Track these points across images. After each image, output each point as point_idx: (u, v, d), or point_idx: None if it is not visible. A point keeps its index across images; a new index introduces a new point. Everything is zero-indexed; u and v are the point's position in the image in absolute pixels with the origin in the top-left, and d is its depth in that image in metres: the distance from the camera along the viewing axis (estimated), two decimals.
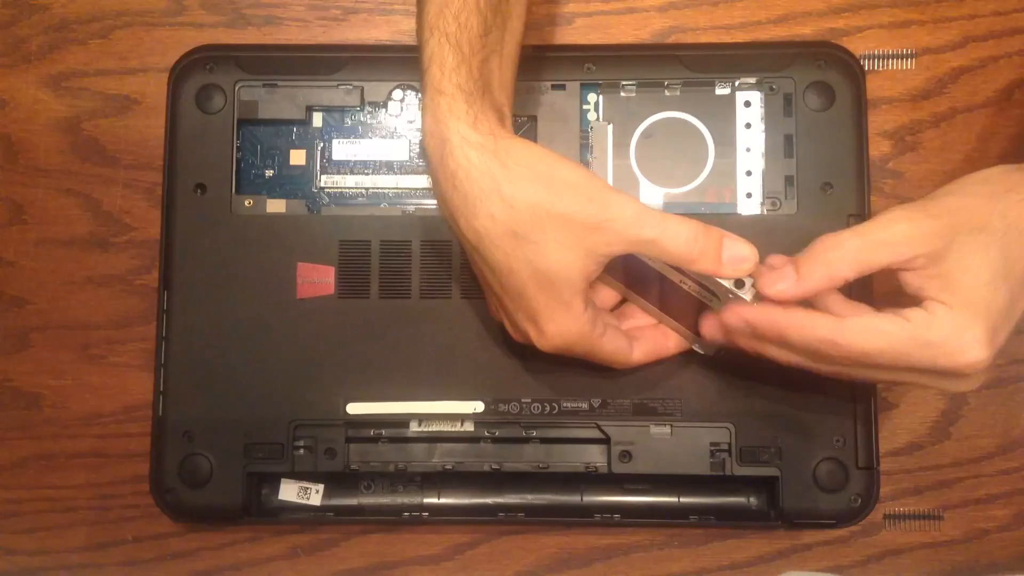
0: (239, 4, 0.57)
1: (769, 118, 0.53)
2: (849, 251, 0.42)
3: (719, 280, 0.43)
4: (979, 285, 0.41)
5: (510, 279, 0.43)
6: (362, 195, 0.54)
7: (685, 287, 0.45)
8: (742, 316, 0.43)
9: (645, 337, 0.48)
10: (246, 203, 0.53)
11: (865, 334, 0.41)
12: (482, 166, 0.42)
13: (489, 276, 0.44)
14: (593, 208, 0.42)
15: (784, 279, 0.42)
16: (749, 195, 0.53)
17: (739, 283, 0.43)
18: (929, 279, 0.41)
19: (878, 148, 0.55)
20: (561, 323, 0.44)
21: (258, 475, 0.52)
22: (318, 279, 0.52)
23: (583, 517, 0.52)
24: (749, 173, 0.53)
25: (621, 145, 0.53)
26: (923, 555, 0.54)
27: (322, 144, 0.54)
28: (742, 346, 0.45)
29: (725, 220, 0.51)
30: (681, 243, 0.42)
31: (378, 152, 0.54)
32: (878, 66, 0.56)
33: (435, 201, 0.45)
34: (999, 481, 0.54)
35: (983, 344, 0.41)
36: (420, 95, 0.45)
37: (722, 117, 0.53)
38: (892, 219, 0.42)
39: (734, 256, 0.43)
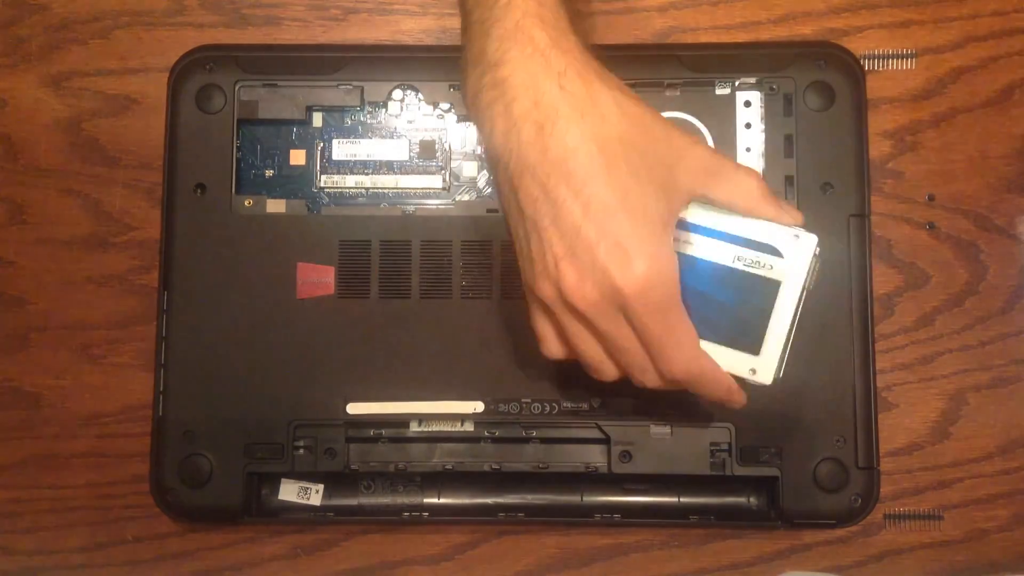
0: (239, 4, 0.57)
1: (769, 118, 0.53)
2: None
3: (778, 230, 0.42)
4: None
5: (600, 200, 0.39)
6: (362, 195, 0.54)
7: (740, 264, 0.43)
8: None
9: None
10: (246, 203, 0.53)
11: None
12: (593, 67, 0.41)
13: (568, 203, 0.40)
14: (680, 140, 0.41)
15: None
16: None
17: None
18: None
19: (878, 148, 0.55)
20: (652, 254, 0.39)
21: (258, 475, 0.52)
22: (318, 279, 0.52)
23: (583, 517, 0.52)
24: None
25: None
26: (923, 555, 0.54)
27: (322, 144, 0.54)
28: None
29: None
30: (746, 190, 0.42)
31: (378, 152, 0.54)
32: (878, 66, 0.56)
33: (482, 158, 0.42)
34: (999, 481, 0.54)
35: None
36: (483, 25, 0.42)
37: (722, 117, 0.53)
38: None
39: (790, 209, 0.43)
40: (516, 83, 0.40)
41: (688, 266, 0.42)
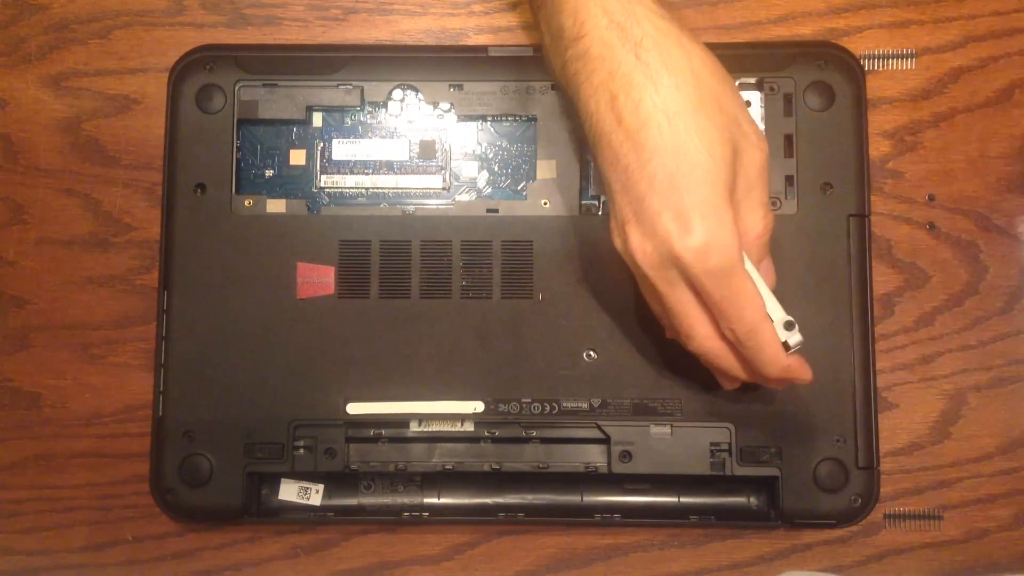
0: (239, 4, 0.57)
1: (769, 118, 0.53)
2: None
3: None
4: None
5: (666, 171, 0.41)
6: (362, 195, 0.54)
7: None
8: None
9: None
10: (246, 203, 0.53)
11: None
12: (672, 35, 0.42)
13: (636, 173, 0.41)
14: (748, 127, 0.43)
15: None
16: None
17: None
18: None
19: (878, 148, 0.55)
20: (712, 223, 0.41)
21: (258, 475, 0.52)
22: (318, 279, 0.52)
23: (583, 517, 0.52)
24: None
25: None
26: (923, 555, 0.53)
27: (322, 144, 0.54)
28: None
29: None
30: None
31: (378, 152, 0.54)
32: (878, 66, 0.56)
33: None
34: (999, 481, 0.54)
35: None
36: None
37: None
38: None
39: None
40: (595, 55, 0.42)
41: None
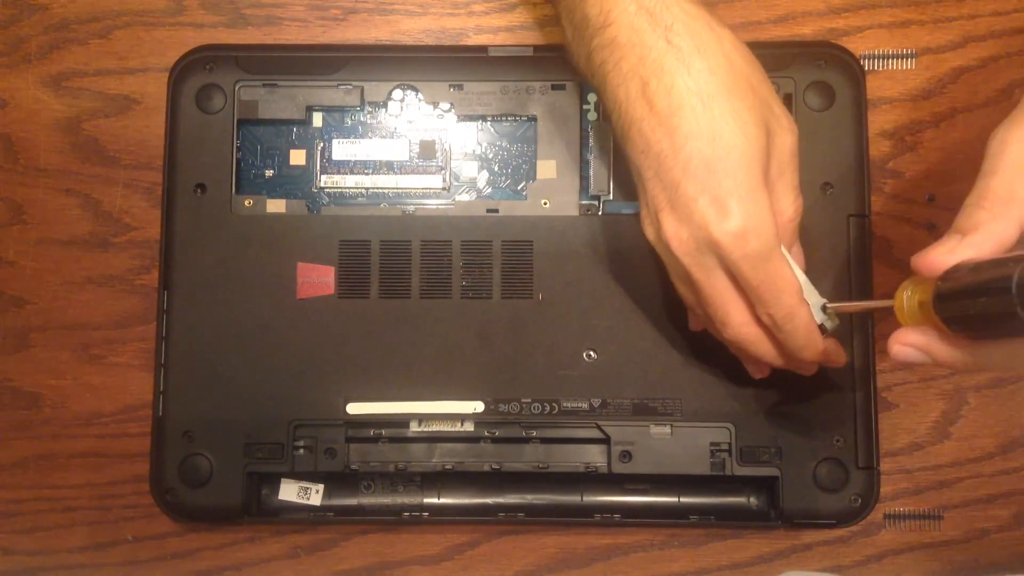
0: (239, 4, 0.57)
1: None
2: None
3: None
4: None
5: (701, 156, 0.41)
6: (362, 195, 0.54)
7: None
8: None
9: None
10: (246, 203, 0.53)
11: None
12: (702, 19, 0.41)
13: (669, 159, 0.41)
14: (779, 110, 0.43)
15: (946, 242, 0.39)
16: None
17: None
18: None
19: (878, 148, 0.55)
20: (749, 207, 0.41)
21: (258, 475, 0.52)
22: (318, 279, 0.52)
23: (583, 517, 0.52)
24: None
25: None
26: (923, 555, 0.54)
27: (322, 144, 0.54)
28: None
29: None
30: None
31: (378, 152, 0.54)
32: (878, 66, 0.56)
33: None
34: (999, 481, 0.54)
35: None
36: None
37: None
38: None
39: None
40: (623, 41, 0.42)
41: None
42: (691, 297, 0.45)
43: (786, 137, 0.43)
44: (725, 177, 0.41)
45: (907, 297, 0.40)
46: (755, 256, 0.41)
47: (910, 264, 0.40)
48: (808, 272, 0.47)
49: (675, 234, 0.42)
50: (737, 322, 0.43)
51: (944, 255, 0.38)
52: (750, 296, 0.43)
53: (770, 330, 0.43)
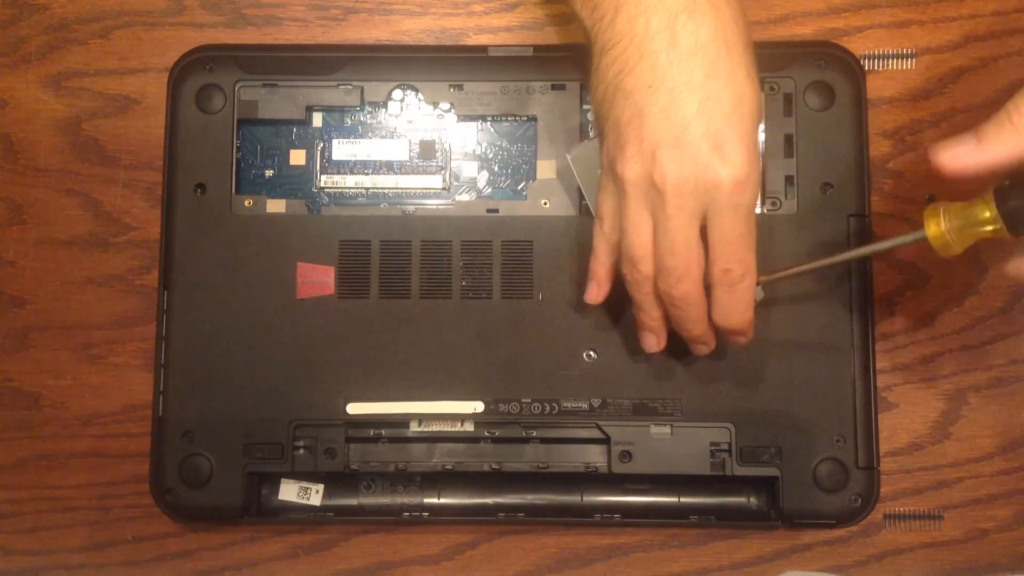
0: (239, 4, 0.57)
1: (769, 118, 0.53)
2: None
3: None
4: None
5: (718, 98, 0.41)
6: (362, 195, 0.54)
7: None
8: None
9: None
10: (246, 203, 0.53)
11: None
12: None
13: (685, 96, 0.41)
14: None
15: (961, 143, 0.41)
16: None
17: None
18: None
19: (878, 148, 0.55)
20: (753, 156, 0.42)
21: (258, 475, 0.52)
22: (318, 279, 0.52)
23: (583, 517, 0.52)
24: None
25: None
26: (923, 555, 0.54)
27: (322, 144, 0.54)
28: None
29: None
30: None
31: (378, 152, 0.54)
32: (878, 66, 0.56)
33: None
34: (999, 481, 0.54)
35: None
36: None
37: None
38: None
39: None
40: None
41: None
42: (641, 244, 0.44)
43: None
44: (736, 122, 0.41)
45: (946, 221, 0.42)
46: (746, 206, 0.42)
47: (931, 158, 0.41)
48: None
49: (675, 172, 0.41)
50: (694, 278, 0.44)
51: (964, 155, 0.40)
52: (716, 248, 0.43)
53: (713, 288, 0.44)
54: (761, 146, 0.53)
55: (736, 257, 0.43)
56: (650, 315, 0.46)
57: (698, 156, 0.41)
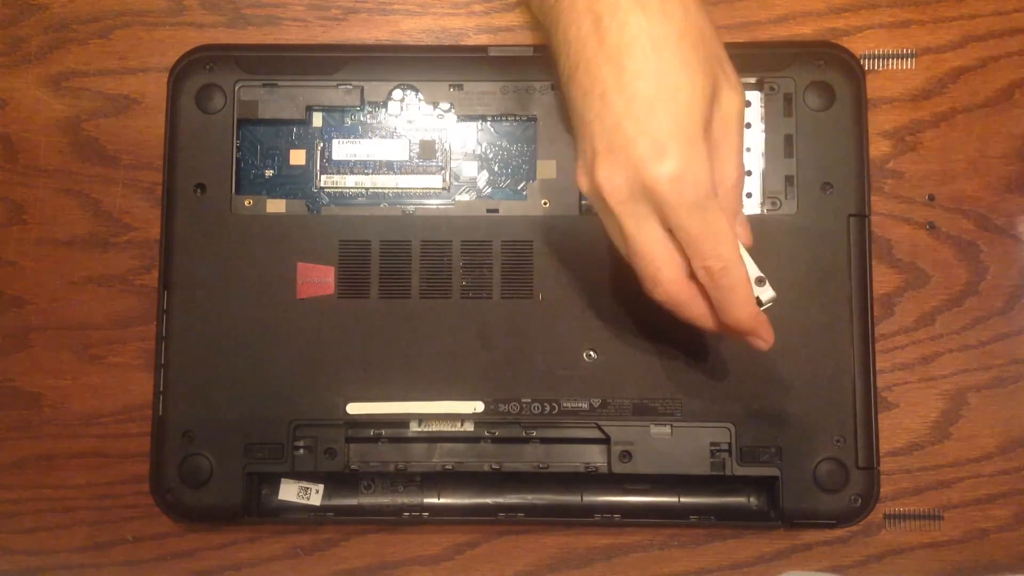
0: (239, 4, 0.57)
1: (769, 118, 0.53)
2: None
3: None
4: None
5: (645, 96, 0.40)
6: (362, 195, 0.54)
7: None
8: None
9: None
10: (246, 203, 0.53)
11: None
12: None
13: (613, 98, 0.40)
14: (729, 68, 0.42)
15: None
16: (749, 195, 0.53)
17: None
18: None
19: (878, 148, 0.55)
20: (689, 152, 0.40)
21: (258, 475, 0.52)
22: (318, 279, 0.52)
23: (583, 517, 0.52)
24: (749, 173, 0.53)
25: None
26: (923, 555, 0.54)
27: (322, 144, 0.54)
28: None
29: None
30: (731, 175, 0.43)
31: (378, 152, 0.54)
32: (878, 66, 0.56)
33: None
34: (999, 481, 0.54)
35: None
36: None
37: None
38: None
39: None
40: None
41: None
42: (624, 250, 0.43)
43: (733, 96, 0.42)
44: (666, 119, 0.40)
45: None
46: (692, 203, 0.40)
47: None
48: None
49: (608, 179, 0.41)
50: (667, 279, 0.42)
51: None
52: (687, 248, 0.41)
53: (704, 288, 0.42)
54: (761, 146, 0.53)
55: (709, 253, 0.41)
56: (692, 317, 0.44)
57: (630, 159, 0.40)
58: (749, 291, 0.43)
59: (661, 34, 0.40)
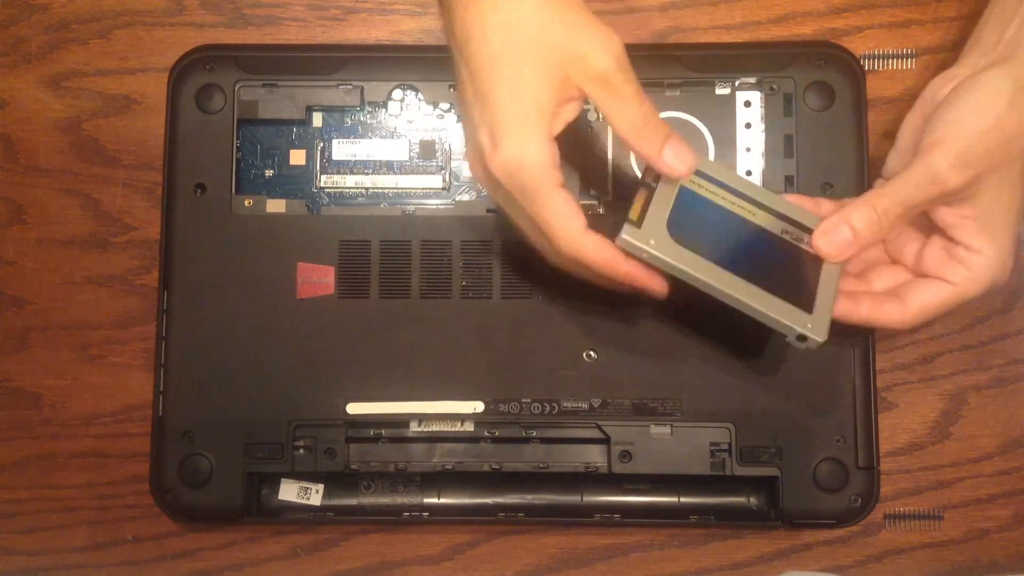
0: (239, 4, 0.57)
1: (769, 118, 0.53)
2: (898, 197, 0.45)
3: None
4: (1009, 222, 0.45)
5: (487, 86, 0.41)
6: (362, 195, 0.54)
7: (788, 237, 0.47)
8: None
9: None
10: (246, 203, 0.53)
11: (925, 314, 0.46)
12: None
13: (467, 86, 0.43)
14: (589, 43, 0.42)
15: (841, 235, 0.45)
16: None
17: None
18: (963, 220, 0.45)
19: (878, 148, 0.55)
20: (520, 140, 0.41)
21: (258, 475, 0.52)
22: (318, 279, 0.52)
23: (583, 517, 0.52)
24: (749, 173, 0.53)
25: (621, 145, 0.53)
26: (923, 555, 0.54)
27: (322, 144, 0.54)
28: None
29: None
30: (628, 116, 0.43)
31: (378, 152, 0.54)
32: (878, 66, 0.56)
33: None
34: (999, 481, 0.54)
35: (1009, 271, 0.46)
36: None
37: (722, 117, 0.53)
38: (931, 163, 0.44)
39: (675, 152, 0.44)
40: None
41: (743, 227, 0.46)
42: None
43: (600, 56, 0.42)
44: (502, 108, 0.41)
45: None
46: (523, 189, 0.42)
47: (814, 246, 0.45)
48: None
49: (471, 166, 0.44)
50: (552, 250, 0.44)
51: (846, 248, 0.46)
52: (539, 229, 0.44)
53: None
54: (761, 146, 0.53)
55: (552, 238, 0.43)
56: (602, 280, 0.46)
57: (475, 145, 0.43)
58: (607, 262, 0.44)
59: (510, 25, 0.41)
